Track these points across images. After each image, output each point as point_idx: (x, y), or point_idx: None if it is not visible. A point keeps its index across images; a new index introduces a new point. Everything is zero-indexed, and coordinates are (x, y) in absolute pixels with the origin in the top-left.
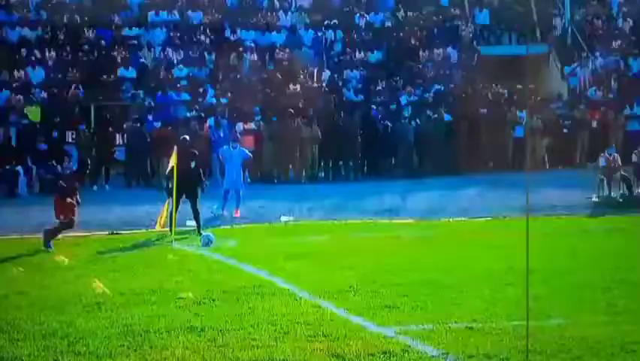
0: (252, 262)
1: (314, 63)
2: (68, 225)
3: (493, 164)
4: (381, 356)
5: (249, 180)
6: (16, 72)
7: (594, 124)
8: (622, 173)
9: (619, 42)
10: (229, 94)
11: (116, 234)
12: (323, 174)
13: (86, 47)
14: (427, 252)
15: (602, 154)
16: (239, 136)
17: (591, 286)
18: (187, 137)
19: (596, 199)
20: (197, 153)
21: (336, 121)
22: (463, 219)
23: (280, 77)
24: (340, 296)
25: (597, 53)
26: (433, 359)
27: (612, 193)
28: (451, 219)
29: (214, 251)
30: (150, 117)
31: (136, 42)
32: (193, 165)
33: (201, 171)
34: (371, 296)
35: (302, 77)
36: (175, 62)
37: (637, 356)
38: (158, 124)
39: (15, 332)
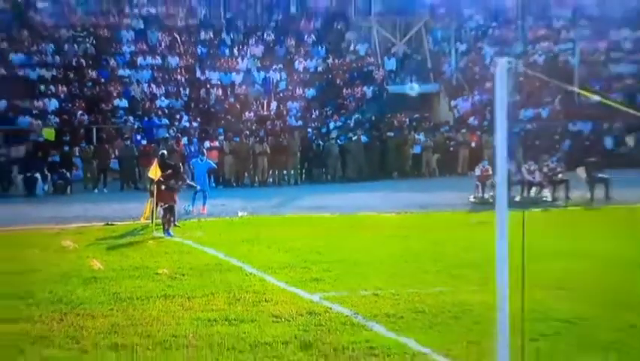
0: (214, 247)
1: (264, 96)
2: (170, 208)
3: (397, 173)
4: (309, 315)
5: (213, 184)
6: (35, 102)
7: (472, 144)
8: (493, 181)
9: (490, 83)
10: (199, 119)
11: (111, 225)
12: (271, 180)
13: (89, 83)
14: (347, 238)
15: (478, 166)
16: (205, 151)
17: (467, 264)
18: (165, 151)
19: (473, 200)
20: (172, 163)
21: (281, 140)
22: (374, 213)
23: (238, 107)
24: (280, 272)
25: (475, 91)
26: (347, 318)
27: (485, 195)
28: (366, 214)
29: (185, 238)
30: (138, 137)
31: (127, 80)
32: (169, 172)
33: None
34: (303, 272)
35: (255, 107)
36: (157, 95)
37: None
38: (144, 142)
39: (30, 298)
